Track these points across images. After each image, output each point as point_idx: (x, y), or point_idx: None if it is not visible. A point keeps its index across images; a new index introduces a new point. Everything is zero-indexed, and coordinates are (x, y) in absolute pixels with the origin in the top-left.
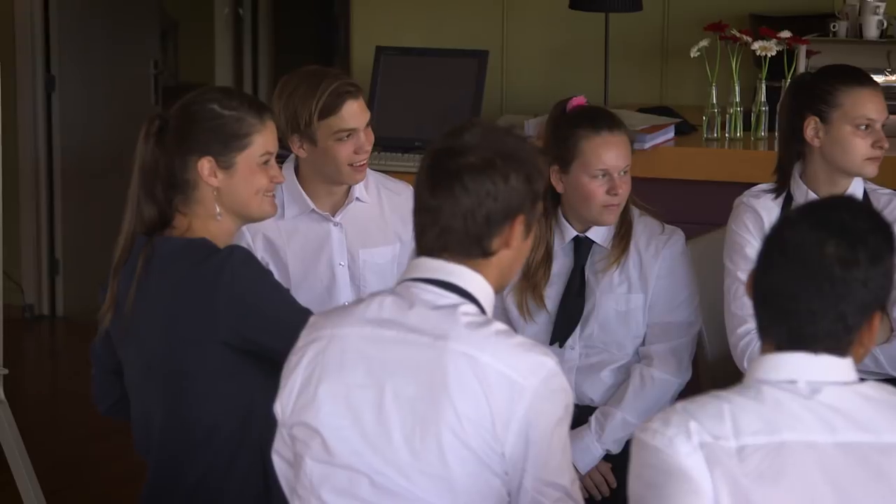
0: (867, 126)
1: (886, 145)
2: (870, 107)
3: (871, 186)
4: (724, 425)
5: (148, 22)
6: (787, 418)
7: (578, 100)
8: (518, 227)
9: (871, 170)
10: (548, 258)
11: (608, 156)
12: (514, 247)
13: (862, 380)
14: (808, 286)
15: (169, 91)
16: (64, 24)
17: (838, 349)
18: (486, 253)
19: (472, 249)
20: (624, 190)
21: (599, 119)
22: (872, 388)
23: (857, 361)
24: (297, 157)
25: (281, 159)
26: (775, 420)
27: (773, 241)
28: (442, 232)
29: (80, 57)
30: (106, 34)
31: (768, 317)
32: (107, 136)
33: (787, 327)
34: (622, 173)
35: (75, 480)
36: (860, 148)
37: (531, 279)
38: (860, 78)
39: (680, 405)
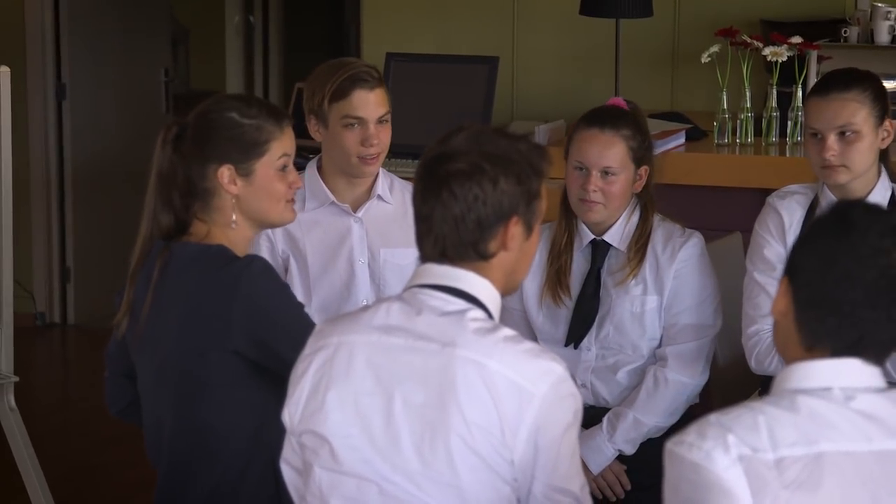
0: (816, 134)
1: (827, 155)
2: (814, 117)
3: None
4: (761, 437)
5: (159, 29)
6: (824, 428)
7: (615, 100)
8: (514, 228)
9: (830, 178)
10: (570, 248)
11: (586, 151)
12: (514, 248)
13: (890, 385)
14: (882, 296)
15: (180, 98)
16: (74, 32)
17: (886, 357)
18: (484, 256)
19: (468, 254)
20: (600, 190)
21: (598, 116)
22: None
23: None
24: (319, 158)
25: (300, 167)
26: (812, 430)
27: (840, 251)
28: (437, 239)
29: (91, 65)
30: (117, 42)
31: (828, 325)
32: (118, 143)
33: (858, 335)
34: (605, 174)
35: (86, 488)
36: (813, 156)
37: (556, 267)
38: (821, 87)
39: (713, 417)
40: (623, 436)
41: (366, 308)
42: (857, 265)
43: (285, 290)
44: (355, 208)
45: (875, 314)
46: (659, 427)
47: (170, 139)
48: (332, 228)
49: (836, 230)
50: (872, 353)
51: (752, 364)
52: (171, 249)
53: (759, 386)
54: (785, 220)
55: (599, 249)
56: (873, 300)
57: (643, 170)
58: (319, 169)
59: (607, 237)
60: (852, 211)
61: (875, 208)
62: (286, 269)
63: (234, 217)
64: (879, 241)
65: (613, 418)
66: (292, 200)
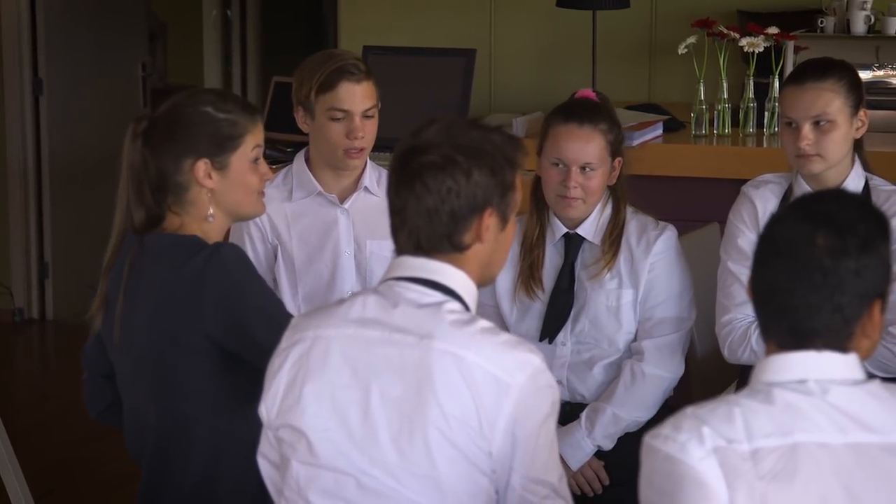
0: (791, 123)
1: (802, 144)
2: (789, 106)
3: (877, 182)
4: (737, 429)
5: (136, 24)
6: (799, 420)
7: (584, 92)
8: (488, 219)
9: (805, 168)
10: (542, 241)
11: (565, 146)
12: (489, 239)
13: (870, 377)
14: (801, 280)
15: (158, 93)
16: (51, 27)
17: (839, 343)
18: (459, 248)
19: (443, 246)
20: (581, 186)
21: (575, 110)
22: (880, 387)
23: (866, 356)
24: (307, 149)
25: (276, 160)
26: (787, 422)
27: (765, 240)
28: (411, 232)
29: (68, 60)
30: (94, 37)
31: (768, 315)
32: (95, 138)
33: (787, 324)
34: (584, 169)
35: (65, 484)
36: (788, 145)
37: (528, 262)
38: (796, 76)
39: (689, 410)
40: (602, 431)
41: (342, 301)
42: (775, 255)
43: (256, 275)
44: (342, 200)
45: (793, 301)
46: (637, 421)
47: (139, 132)
48: (319, 219)
49: (767, 223)
50: (813, 341)
51: (726, 353)
52: (143, 242)
53: (737, 377)
54: (759, 209)
55: (573, 243)
56: (791, 288)
57: (617, 162)
58: (307, 160)
59: (581, 231)
60: (792, 202)
61: (806, 197)
62: (275, 257)
63: (210, 210)
64: (792, 229)
65: (592, 414)
66: (262, 193)
